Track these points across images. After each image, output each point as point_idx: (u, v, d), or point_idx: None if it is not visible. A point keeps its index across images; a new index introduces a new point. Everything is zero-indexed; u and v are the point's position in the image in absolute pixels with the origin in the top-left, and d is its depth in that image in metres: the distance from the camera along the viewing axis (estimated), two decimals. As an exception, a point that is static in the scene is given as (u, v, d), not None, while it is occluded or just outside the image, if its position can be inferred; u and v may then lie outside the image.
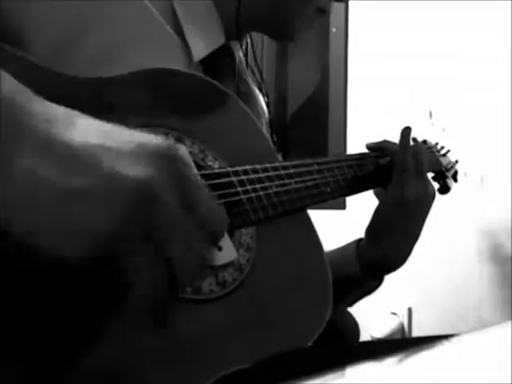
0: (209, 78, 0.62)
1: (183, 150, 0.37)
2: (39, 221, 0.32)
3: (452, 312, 1.77)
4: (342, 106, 2.01)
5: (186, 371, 0.47)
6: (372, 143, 0.82)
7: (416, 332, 1.85)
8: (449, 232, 1.76)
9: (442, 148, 0.98)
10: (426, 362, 0.28)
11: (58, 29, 0.53)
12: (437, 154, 0.96)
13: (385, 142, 0.82)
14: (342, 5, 2.00)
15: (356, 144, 1.96)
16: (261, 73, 0.81)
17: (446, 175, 0.95)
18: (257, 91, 0.84)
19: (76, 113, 0.35)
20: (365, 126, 1.94)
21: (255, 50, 0.83)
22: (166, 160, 0.35)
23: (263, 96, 0.84)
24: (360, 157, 0.81)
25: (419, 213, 0.79)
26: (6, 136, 0.32)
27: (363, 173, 0.79)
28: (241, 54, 0.79)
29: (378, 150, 0.82)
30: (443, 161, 0.96)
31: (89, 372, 0.42)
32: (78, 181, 0.32)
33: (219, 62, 0.70)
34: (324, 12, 0.76)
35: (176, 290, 0.38)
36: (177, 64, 0.63)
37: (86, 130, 0.34)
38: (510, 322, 0.31)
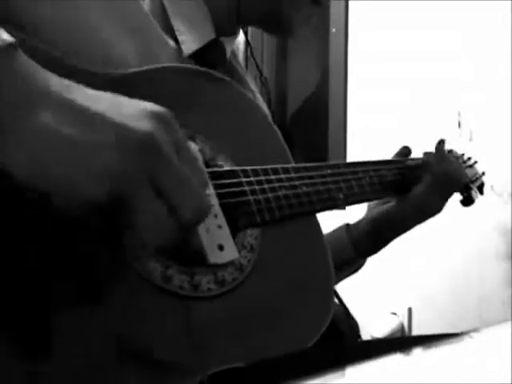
0: (225, 77, 0.62)
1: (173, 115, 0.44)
2: (63, 171, 0.38)
3: (452, 312, 1.77)
4: (342, 106, 2.01)
5: (180, 365, 0.47)
6: (413, 161, 0.85)
7: (416, 332, 1.85)
8: (449, 232, 1.76)
9: (469, 159, 0.96)
10: (426, 361, 0.28)
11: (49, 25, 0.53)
12: (462, 164, 0.95)
13: (427, 155, 0.85)
14: (342, 5, 2.00)
15: (356, 144, 1.97)
16: (261, 73, 0.81)
17: (470, 187, 0.93)
18: (257, 92, 0.84)
19: (79, 85, 0.41)
20: (365, 126, 1.94)
21: (253, 49, 0.83)
22: (163, 120, 0.42)
23: (265, 95, 0.84)
24: (376, 164, 0.80)
25: (425, 219, 0.85)
26: (22, 97, 0.37)
27: (380, 181, 0.79)
28: (240, 54, 0.79)
29: (419, 167, 0.84)
30: (469, 172, 0.94)
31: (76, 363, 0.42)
32: (95, 135, 0.39)
33: (210, 57, 0.70)
34: (320, 4, 0.75)
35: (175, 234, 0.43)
36: (168, 60, 0.64)
37: (93, 95, 0.41)
38: (510, 322, 0.31)
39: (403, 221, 0.83)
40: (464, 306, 1.76)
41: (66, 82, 0.41)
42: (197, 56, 0.68)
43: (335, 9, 2.03)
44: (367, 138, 1.91)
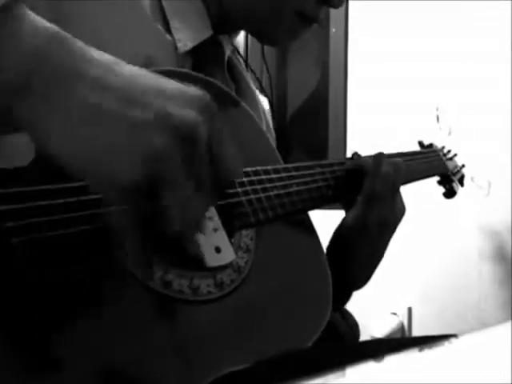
0: (214, 80, 0.62)
1: (213, 102, 0.43)
2: (103, 147, 0.38)
3: (452, 312, 1.77)
4: (342, 106, 2.01)
5: (183, 371, 0.47)
6: (349, 164, 0.77)
7: (416, 332, 1.85)
8: (449, 231, 1.76)
9: (449, 152, 0.97)
10: (426, 361, 0.28)
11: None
12: (443, 157, 0.96)
13: (364, 158, 0.78)
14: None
15: (356, 144, 1.96)
16: (267, 70, 0.81)
17: (451, 179, 0.94)
18: (257, 91, 0.84)
19: (120, 60, 0.41)
20: (365, 126, 1.94)
21: (253, 49, 0.83)
22: (206, 107, 0.41)
23: (267, 97, 0.84)
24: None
25: (382, 236, 0.76)
26: (66, 73, 0.38)
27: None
28: (240, 47, 0.79)
29: (355, 167, 0.77)
30: (450, 165, 0.95)
31: (86, 368, 0.42)
32: (138, 113, 0.38)
33: (208, 55, 0.70)
34: (310, 19, 0.72)
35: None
36: (165, 56, 0.64)
37: (133, 70, 0.41)
38: (510, 322, 0.31)
39: (355, 243, 0.75)
40: (464, 306, 1.76)
41: (107, 55, 0.40)
42: (194, 53, 0.67)
43: (335, 9, 2.02)
44: (367, 138, 1.91)
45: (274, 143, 0.76)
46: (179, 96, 0.40)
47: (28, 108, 0.37)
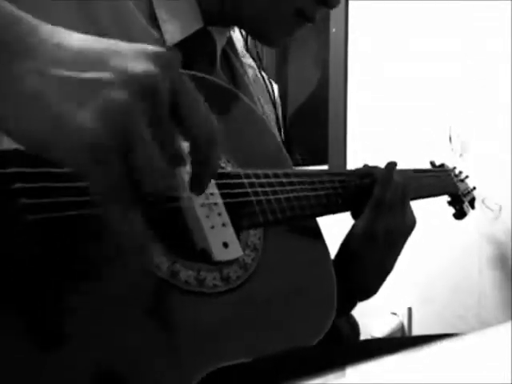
0: (219, 81, 0.62)
1: (178, 57, 0.41)
2: (65, 112, 0.36)
3: (452, 312, 1.77)
4: (342, 106, 2.00)
5: (183, 361, 0.47)
6: (363, 169, 0.78)
7: (416, 332, 1.85)
8: (449, 232, 1.76)
9: (461, 173, 0.97)
10: (426, 361, 0.28)
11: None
12: (454, 177, 0.95)
13: (374, 168, 0.78)
14: (342, 5, 2.00)
15: (356, 144, 1.96)
16: (262, 64, 0.80)
17: (462, 200, 0.94)
18: (254, 84, 0.83)
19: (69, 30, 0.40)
20: (365, 126, 1.94)
21: (253, 50, 0.82)
22: (164, 61, 0.40)
23: (270, 85, 0.83)
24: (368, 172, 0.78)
25: (391, 247, 0.76)
26: (12, 44, 0.36)
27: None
28: (240, 45, 0.78)
29: (366, 175, 0.77)
30: (461, 186, 0.94)
31: (84, 359, 0.42)
32: (93, 74, 0.37)
33: (198, 48, 0.68)
34: (308, 18, 0.71)
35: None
36: None
37: (86, 38, 0.39)
38: (510, 322, 0.31)
39: (363, 252, 0.75)
40: (464, 306, 1.76)
41: (56, 28, 0.39)
42: (183, 47, 0.65)
43: (335, 9, 2.02)
44: (367, 138, 1.91)
45: (278, 135, 0.76)
46: (137, 53, 0.39)
47: None
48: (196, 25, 0.67)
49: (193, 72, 0.60)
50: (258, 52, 0.84)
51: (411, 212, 0.78)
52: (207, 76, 0.64)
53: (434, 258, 1.80)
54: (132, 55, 0.39)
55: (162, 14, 0.64)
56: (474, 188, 0.98)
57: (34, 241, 0.41)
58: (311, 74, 2.22)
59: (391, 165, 0.76)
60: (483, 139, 1.68)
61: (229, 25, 0.74)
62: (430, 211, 1.75)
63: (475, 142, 1.70)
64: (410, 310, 1.86)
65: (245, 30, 0.77)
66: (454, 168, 0.97)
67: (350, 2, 2.00)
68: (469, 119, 1.73)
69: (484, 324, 1.69)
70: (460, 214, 0.94)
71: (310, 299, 0.62)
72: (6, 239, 0.40)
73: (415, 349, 0.27)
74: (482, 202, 1.62)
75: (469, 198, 0.96)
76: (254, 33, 0.75)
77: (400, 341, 1.04)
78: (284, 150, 0.71)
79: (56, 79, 0.36)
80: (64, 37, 0.38)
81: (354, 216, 0.77)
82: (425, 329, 1.82)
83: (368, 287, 0.78)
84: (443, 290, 1.79)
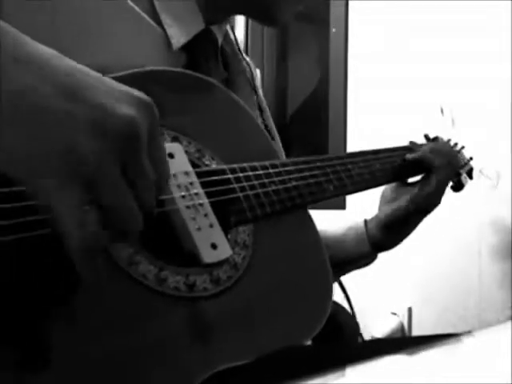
0: (203, 76, 0.62)
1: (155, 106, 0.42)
2: (35, 141, 0.36)
3: (452, 312, 1.77)
4: (342, 106, 2.00)
5: (180, 366, 0.47)
6: (412, 155, 0.86)
7: (416, 332, 1.85)
8: (449, 232, 1.76)
9: (456, 145, 0.96)
10: (426, 361, 0.28)
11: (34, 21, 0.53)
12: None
13: (425, 150, 0.87)
14: (342, 5, 2.00)
15: (356, 143, 1.96)
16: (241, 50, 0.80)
17: (459, 173, 0.94)
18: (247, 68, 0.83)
19: (61, 55, 0.40)
20: (365, 126, 1.94)
21: (253, 50, 0.82)
22: (147, 108, 0.41)
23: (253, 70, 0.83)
24: (365, 155, 0.81)
25: (424, 216, 0.87)
26: (6, 59, 0.36)
27: (370, 170, 0.80)
28: (232, 38, 0.78)
29: (420, 161, 0.86)
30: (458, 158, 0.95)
31: (84, 361, 0.42)
32: (76, 109, 0.37)
33: (201, 48, 0.69)
34: None
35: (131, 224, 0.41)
36: (158, 53, 0.63)
37: (78, 68, 0.40)
38: (510, 322, 0.31)
39: (417, 218, 0.85)
40: (464, 306, 1.76)
41: (47, 49, 0.39)
42: (188, 48, 0.66)
43: (335, 9, 2.03)
44: (367, 138, 1.90)
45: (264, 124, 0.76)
46: (121, 94, 0.40)
47: None
48: (198, 26, 0.68)
49: (190, 72, 0.61)
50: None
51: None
52: (213, 80, 0.63)
53: (434, 259, 1.80)
54: (118, 96, 0.39)
55: (165, 19, 0.65)
56: (471, 158, 0.97)
57: (9, 262, 0.41)
58: (311, 74, 2.22)
59: (447, 145, 0.88)
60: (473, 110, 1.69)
61: (230, 14, 0.74)
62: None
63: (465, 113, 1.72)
64: (410, 309, 1.86)
65: (247, 13, 0.77)
66: (449, 140, 0.96)
67: (350, 2, 2.00)
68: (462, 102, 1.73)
69: (484, 324, 1.69)
70: (458, 186, 0.94)
71: (305, 293, 0.61)
72: None
73: (415, 349, 0.27)
74: (480, 171, 1.62)
75: (466, 168, 0.95)
76: (257, 14, 0.74)
77: (400, 341, 1.04)
78: (271, 141, 0.70)
79: (40, 107, 0.36)
80: (53, 57, 0.39)
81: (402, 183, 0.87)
82: (425, 329, 1.82)
83: (398, 243, 0.88)
84: (443, 290, 1.79)
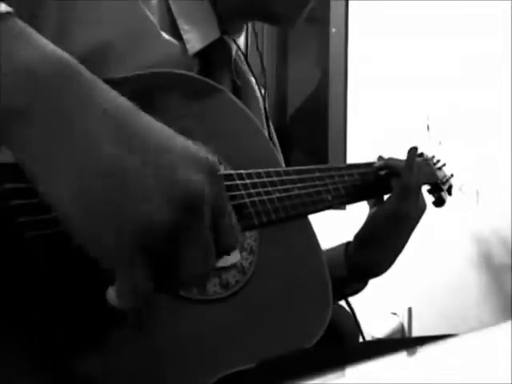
0: (210, 81, 0.62)
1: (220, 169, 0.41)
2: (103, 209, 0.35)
3: (452, 312, 1.77)
4: (342, 106, 2.01)
5: (188, 370, 0.47)
6: (379, 162, 0.83)
7: (416, 332, 1.85)
8: (449, 232, 1.76)
9: (438, 161, 0.99)
10: (426, 361, 0.28)
11: (50, 27, 0.53)
12: (433, 166, 0.97)
13: (391, 159, 0.83)
14: (342, 5, 2.01)
15: (356, 144, 1.96)
16: (262, 63, 0.81)
17: (441, 188, 0.96)
18: (255, 85, 0.84)
19: (133, 106, 0.38)
20: (364, 126, 1.94)
21: (253, 50, 0.82)
22: (215, 175, 0.39)
23: (261, 87, 0.83)
24: (360, 166, 0.81)
25: (411, 227, 0.82)
26: (90, 124, 0.35)
27: (362, 183, 0.79)
28: (240, 44, 0.79)
29: (385, 167, 0.82)
30: (439, 174, 0.96)
31: (94, 371, 0.42)
32: (149, 180, 0.36)
33: (215, 56, 0.70)
34: None
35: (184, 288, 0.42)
36: (172, 58, 0.64)
37: (148, 123, 0.38)
38: (510, 322, 0.31)
39: (387, 231, 0.80)
40: (464, 307, 1.76)
41: (122, 98, 0.37)
42: (202, 55, 0.67)
43: (335, 9, 2.03)
44: (367, 138, 1.91)
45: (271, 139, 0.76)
46: (192, 160, 0.38)
47: (22, 136, 0.34)
48: (214, 34, 0.69)
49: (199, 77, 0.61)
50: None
51: (423, 197, 0.84)
52: (221, 87, 0.64)
53: (434, 259, 1.80)
54: (189, 162, 0.37)
55: (182, 25, 0.66)
56: (452, 175, 0.99)
57: (35, 258, 0.41)
58: (311, 74, 2.22)
59: (413, 150, 0.80)
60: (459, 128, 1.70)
61: (241, 20, 0.75)
62: (430, 211, 1.75)
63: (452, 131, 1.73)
64: (410, 310, 1.86)
65: (258, 17, 0.77)
66: (433, 157, 0.98)
67: (350, 2, 2.00)
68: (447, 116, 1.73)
69: (484, 324, 1.69)
70: (439, 202, 0.96)
71: (307, 299, 0.62)
72: (5, 257, 0.40)
73: (415, 349, 0.27)
74: (459, 189, 1.64)
75: (447, 185, 0.97)
76: (268, 16, 0.75)
77: (400, 341, 1.04)
78: (274, 150, 0.71)
79: (131, 170, 0.35)
80: (131, 110, 0.37)
81: (376, 202, 0.83)
82: (425, 329, 1.82)
83: (382, 266, 0.83)
84: (443, 290, 1.79)
